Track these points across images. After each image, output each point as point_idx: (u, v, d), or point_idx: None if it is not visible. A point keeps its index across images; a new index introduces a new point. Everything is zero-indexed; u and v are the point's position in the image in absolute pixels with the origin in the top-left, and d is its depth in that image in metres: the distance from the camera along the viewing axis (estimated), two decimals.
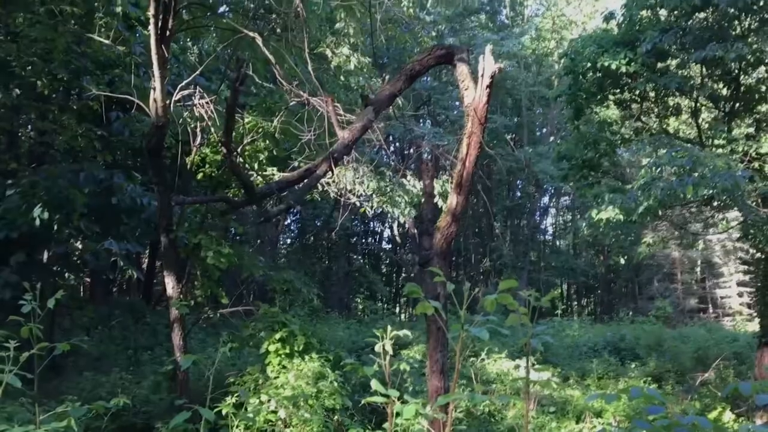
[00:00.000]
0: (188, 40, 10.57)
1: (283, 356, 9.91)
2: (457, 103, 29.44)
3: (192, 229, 10.03)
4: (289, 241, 39.17)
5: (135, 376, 11.50)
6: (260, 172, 10.36)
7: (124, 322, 15.79)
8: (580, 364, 16.05)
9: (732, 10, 11.72)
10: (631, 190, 11.87)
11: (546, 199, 39.10)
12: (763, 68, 13.79)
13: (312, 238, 38.57)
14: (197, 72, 9.19)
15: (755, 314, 33.44)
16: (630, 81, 14.52)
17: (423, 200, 7.02)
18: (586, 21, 29.71)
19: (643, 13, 13.86)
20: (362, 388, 10.62)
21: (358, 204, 10.11)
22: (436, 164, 7.55)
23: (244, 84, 6.01)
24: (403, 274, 41.47)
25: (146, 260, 22.41)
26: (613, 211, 11.62)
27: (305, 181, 6.37)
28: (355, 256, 39.74)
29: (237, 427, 8.00)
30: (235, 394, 8.82)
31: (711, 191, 10.23)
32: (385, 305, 33.39)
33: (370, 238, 42.90)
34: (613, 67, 13.28)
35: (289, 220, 35.90)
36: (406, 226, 40.99)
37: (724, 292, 33.84)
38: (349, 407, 9.40)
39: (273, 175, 10.42)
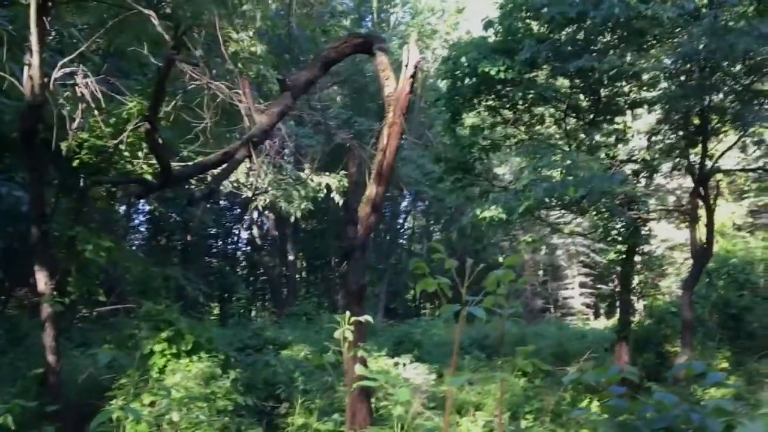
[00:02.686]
0: (71, 15, 9.65)
1: (169, 357, 9.32)
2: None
3: (67, 220, 9.21)
4: (137, 243, 37.00)
5: None
6: (145, 161, 9.70)
7: None
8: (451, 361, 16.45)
9: (602, 26, 12.51)
10: (512, 191, 12.38)
11: (405, 203, 39.83)
12: (624, 82, 14.88)
13: (164, 240, 36.74)
14: (82, 48, 8.44)
15: (595, 313, 36.26)
16: (505, 88, 15.16)
17: (348, 190, 6.85)
18: (449, 31, 30.68)
19: (519, 23, 14.51)
20: (249, 390, 10.24)
21: (251, 197, 9.71)
22: (355, 156, 7.39)
23: (181, 52, 5.55)
24: (263, 277, 40.75)
25: None
26: (496, 210, 12.03)
27: (225, 165, 6.00)
28: (212, 259, 38.39)
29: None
30: (121, 398, 8.18)
31: (587, 192, 10.87)
32: (248, 306, 32.46)
33: (228, 239, 41.69)
34: (492, 73, 13.76)
35: (138, 220, 33.90)
36: (266, 228, 40.09)
37: (567, 293, 36.28)
38: (243, 408, 9.01)
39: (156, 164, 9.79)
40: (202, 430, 8.32)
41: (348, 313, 6.75)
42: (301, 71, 7.03)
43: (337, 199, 9.75)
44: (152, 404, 8.73)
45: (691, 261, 26.65)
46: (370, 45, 7.15)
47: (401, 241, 42.97)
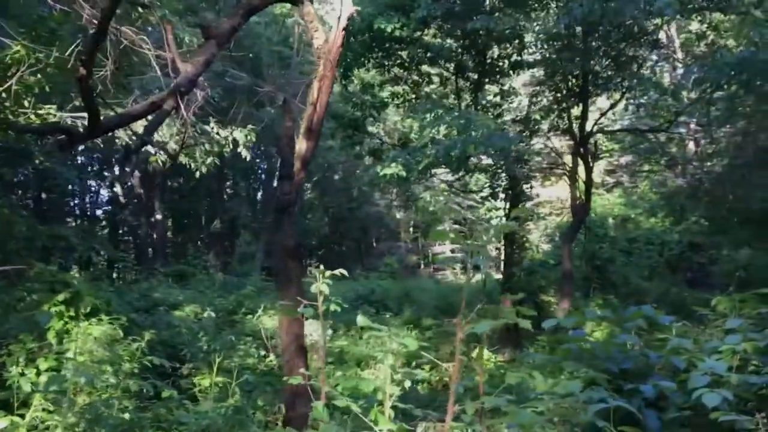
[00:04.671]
0: None
1: (67, 320, 8.75)
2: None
3: None
4: None
5: None
6: (33, 111, 8.92)
7: None
8: (345, 317, 16.66)
9: None
10: (410, 149, 12.56)
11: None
12: (509, 44, 15.39)
13: (15, 198, 33.91)
14: None
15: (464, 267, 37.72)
16: (394, 46, 15.23)
17: (283, 142, 6.67)
18: None
19: None
20: (151, 351, 9.86)
21: (152, 152, 9.19)
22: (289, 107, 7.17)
23: None
24: (127, 237, 38.81)
25: None
26: (396, 167, 12.17)
27: (152, 116, 5.64)
28: (69, 219, 35.91)
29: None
30: (12, 365, 7.70)
31: (490, 150, 11.25)
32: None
33: (86, 197, 39.18)
34: (388, 30, 13.76)
35: None
36: (129, 184, 38.00)
37: (440, 249, 37.48)
38: (147, 370, 8.65)
39: (49, 114, 9.04)
40: (115, 392, 7.96)
41: (285, 270, 6.67)
42: (224, 18, 6.70)
43: (244, 153, 9.44)
44: (49, 370, 8.22)
45: (554, 217, 28.57)
46: None
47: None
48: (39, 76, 9.04)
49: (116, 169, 37.86)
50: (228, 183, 39.00)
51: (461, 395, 3.73)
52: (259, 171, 37.66)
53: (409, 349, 3.72)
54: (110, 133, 9.70)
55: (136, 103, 8.26)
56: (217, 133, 9.27)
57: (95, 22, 7.80)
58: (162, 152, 9.49)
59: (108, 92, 8.61)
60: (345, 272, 4.34)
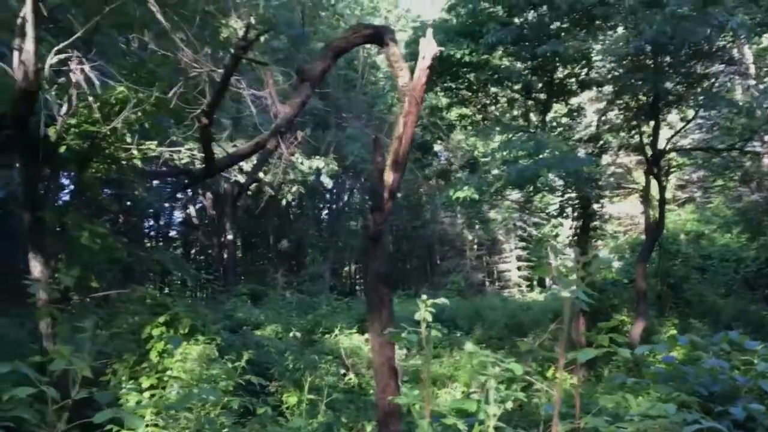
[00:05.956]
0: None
1: (167, 340, 9.37)
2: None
3: (58, 206, 9.13)
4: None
5: None
6: (136, 147, 9.64)
7: None
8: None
9: (568, 11, 13.01)
10: (481, 172, 12.86)
11: (350, 182, 39.68)
12: (577, 65, 15.55)
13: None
14: (78, 33, 8.31)
15: (529, 285, 37.57)
16: (465, 69, 15.57)
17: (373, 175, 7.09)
18: (390, 9, 31.01)
19: (481, 5, 14.89)
20: (244, 370, 10.40)
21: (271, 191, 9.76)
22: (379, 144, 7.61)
23: (249, 50, 5.66)
24: (200, 256, 39.99)
25: None
26: (469, 190, 12.48)
27: (258, 155, 6.16)
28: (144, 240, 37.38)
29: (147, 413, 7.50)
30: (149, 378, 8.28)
31: (562, 172, 11.46)
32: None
33: (161, 219, 40.69)
34: (458, 56, 14.15)
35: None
36: (198, 206, 38.96)
37: (505, 267, 37.44)
38: (241, 388, 9.17)
39: (149, 149, 9.75)
40: (214, 409, 8.47)
41: (377, 295, 7.07)
42: (315, 61, 7.21)
43: (327, 182, 9.94)
44: (151, 387, 8.82)
45: (623, 234, 28.22)
46: (381, 35, 7.37)
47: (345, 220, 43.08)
48: (139, 114, 9.80)
49: (189, 192, 39.31)
50: (294, 203, 39.94)
51: (550, 415, 4.00)
52: (324, 191, 38.35)
53: (514, 373, 4.00)
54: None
55: (231, 137, 8.89)
56: (301, 163, 9.78)
57: (194, 65, 8.49)
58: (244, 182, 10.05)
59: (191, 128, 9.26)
60: (446, 301, 4.67)
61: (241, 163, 10.33)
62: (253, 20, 8.73)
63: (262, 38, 8.30)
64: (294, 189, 9.83)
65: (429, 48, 6.98)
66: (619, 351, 3.57)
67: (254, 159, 10.78)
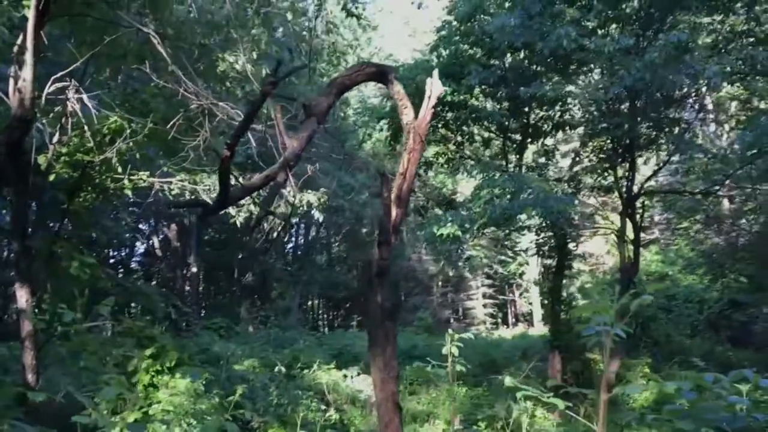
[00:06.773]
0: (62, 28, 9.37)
1: (153, 373, 9.22)
2: None
3: (47, 235, 9.00)
4: None
5: None
6: (127, 177, 9.61)
7: None
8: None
9: (548, 56, 13.43)
10: (464, 210, 13.05)
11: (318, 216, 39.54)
12: (554, 107, 15.97)
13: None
14: (77, 63, 8.31)
15: (494, 323, 37.85)
16: (447, 109, 15.90)
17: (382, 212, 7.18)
18: (363, 47, 31.48)
19: (464, 48, 15.30)
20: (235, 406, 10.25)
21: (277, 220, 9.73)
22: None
23: (277, 87, 5.72)
24: (162, 288, 39.21)
25: None
26: (452, 227, 12.63)
27: (268, 188, 6.19)
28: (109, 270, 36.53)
29: None
30: (132, 413, 8.12)
31: (543, 212, 11.72)
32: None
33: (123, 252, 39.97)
34: (440, 96, 14.37)
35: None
36: (168, 236, 38.35)
37: (471, 304, 37.68)
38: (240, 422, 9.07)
39: (140, 179, 9.71)
40: None
41: (382, 330, 7.10)
42: (320, 97, 7.33)
43: (317, 215, 9.99)
44: (136, 421, 8.63)
45: (588, 273, 28.70)
46: (385, 74, 7.56)
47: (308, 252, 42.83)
48: (131, 144, 9.78)
49: (152, 222, 38.75)
50: (260, 235, 39.57)
51: None
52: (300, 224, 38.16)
53: (557, 406, 4.05)
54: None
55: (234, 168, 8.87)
56: (293, 196, 9.82)
57: (194, 97, 8.55)
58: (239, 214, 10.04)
59: (199, 158, 9.28)
60: (473, 336, 4.76)
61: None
62: (255, 55, 8.86)
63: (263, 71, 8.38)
64: (277, 222, 9.83)
65: (435, 87, 7.18)
66: (665, 385, 3.66)
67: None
